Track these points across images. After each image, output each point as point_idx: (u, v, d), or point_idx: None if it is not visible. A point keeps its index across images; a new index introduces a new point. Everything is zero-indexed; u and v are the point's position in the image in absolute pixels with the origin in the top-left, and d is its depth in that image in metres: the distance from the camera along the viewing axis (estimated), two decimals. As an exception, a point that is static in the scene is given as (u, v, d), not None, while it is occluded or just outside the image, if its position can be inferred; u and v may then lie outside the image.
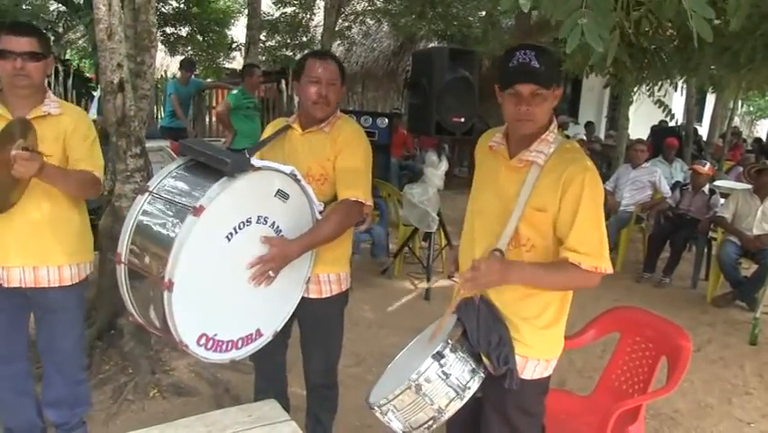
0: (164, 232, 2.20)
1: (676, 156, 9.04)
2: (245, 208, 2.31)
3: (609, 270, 2.04)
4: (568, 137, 2.19)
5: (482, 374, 2.11)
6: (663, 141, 9.15)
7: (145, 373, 3.81)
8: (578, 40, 1.88)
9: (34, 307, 2.82)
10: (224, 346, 2.40)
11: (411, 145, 11.24)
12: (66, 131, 2.64)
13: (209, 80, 13.13)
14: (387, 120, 8.04)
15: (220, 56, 14.47)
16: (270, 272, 2.41)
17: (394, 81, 14.34)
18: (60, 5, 11.41)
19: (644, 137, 10.65)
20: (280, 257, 2.40)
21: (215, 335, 2.34)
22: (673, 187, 7.35)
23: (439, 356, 2.05)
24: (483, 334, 2.09)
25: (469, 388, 2.07)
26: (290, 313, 2.64)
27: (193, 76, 9.68)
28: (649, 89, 5.88)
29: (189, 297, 2.18)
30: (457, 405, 2.06)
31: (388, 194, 6.89)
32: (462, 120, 5.62)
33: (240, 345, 2.47)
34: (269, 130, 2.87)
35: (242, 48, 12.59)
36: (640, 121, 11.25)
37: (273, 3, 13.70)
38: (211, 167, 2.26)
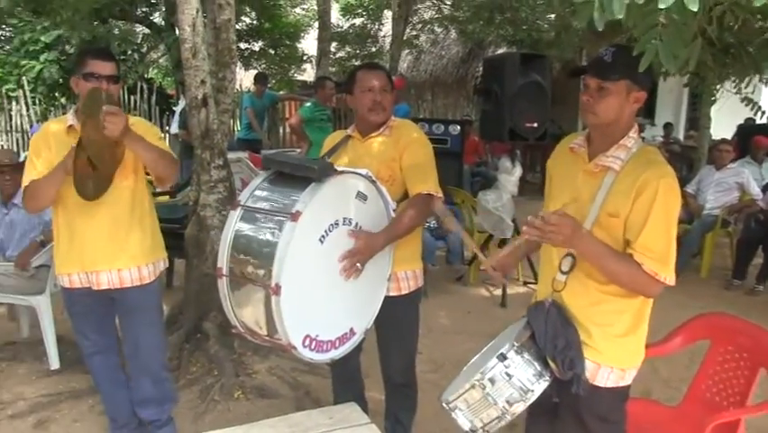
0: (264, 240, 2.34)
1: (766, 156, 8.60)
2: (333, 211, 2.42)
3: (671, 281, 1.99)
4: (643, 139, 2.15)
5: (548, 378, 2.10)
6: (751, 140, 8.72)
7: (230, 375, 3.94)
8: (651, 58, 1.87)
9: (118, 308, 3.03)
10: (324, 346, 2.49)
11: (483, 152, 11.20)
12: (144, 129, 2.83)
13: (282, 93, 13.41)
14: (458, 127, 8.03)
15: (292, 68, 14.79)
16: (359, 264, 2.49)
17: (463, 88, 14.32)
18: (145, 28, 11.94)
19: (729, 136, 10.20)
20: (367, 249, 2.49)
21: (317, 335, 2.44)
22: (765, 189, 7.00)
23: (503, 357, 2.07)
24: (550, 337, 2.08)
25: (532, 391, 2.07)
26: (377, 310, 2.71)
27: (267, 89, 9.92)
28: (735, 86, 5.64)
29: (294, 299, 2.28)
30: (520, 407, 2.07)
31: (462, 201, 6.87)
32: (535, 125, 5.57)
33: (338, 344, 2.56)
34: (328, 142, 3.01)
35: (313, 60, 12.86)
36: (723, 120, 10.78)
37: (342, 15, 13.91)
38: (295, 176, 2.38)
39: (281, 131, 13.23)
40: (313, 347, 2.44)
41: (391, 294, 2.78)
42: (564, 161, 2.28)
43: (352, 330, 2.61)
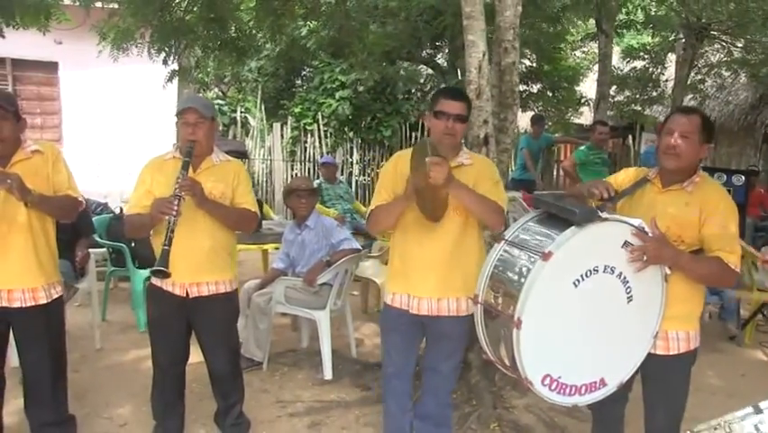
0: (516, 275, 2.45)
1: None
2: (593, 256, 2.44)
3: None
4: None
5: None
6: None
7: (488, 406, 4.05)
8: None
9: (428, 334, 3.23)
10: (567, 390, 2.51)
11: (769, 205, 10.25)
12: (476, 176, 3.02)
13: (557, 135, 13.39)
14: (743, 177, 7.48)
15: (568, 111, 14.69)
16: (644, 256, 2.47)
17: (751, 136, 13.16)
18: (429, 69, 12.74)
19: None
20: (658, 242, 2.49)
21: (560, 377, 2.48)
22: None
23: (758, 410, 1.93)
24: None
25: None
26: (636, 366, 2.67)
27: (543, 131, 10.00)
28: None
29: (536, 336, 2.37)
30: None
31: (741, 255, 6.36)
32: (839, 179, 5.03)
33: (583, 391, 2.56)
34: (626, 177, 2.92)
35: (591, 103, 12.71)
36: None
37: (622, 58, 13.58)
38: (561, 218, 2.45)
39: (555, 172, 13.22)
40: (553, 388, 2.47)
41: (658, 353, 2.71)
42: None
43: (602, 381, 2.60)
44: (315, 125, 12.35)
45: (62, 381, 3.39)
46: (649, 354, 2.67)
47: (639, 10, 11.84)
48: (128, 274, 5.93)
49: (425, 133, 12.43)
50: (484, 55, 4.10)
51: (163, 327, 3.43)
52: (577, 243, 2.37)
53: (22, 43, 5.63)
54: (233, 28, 6.75)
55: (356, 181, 12.29)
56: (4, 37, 5.76)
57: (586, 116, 14.71)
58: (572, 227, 2.38)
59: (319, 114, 12.37)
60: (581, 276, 2.41)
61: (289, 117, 12.62)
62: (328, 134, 12.47)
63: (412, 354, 3.28)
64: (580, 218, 2.37)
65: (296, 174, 12.19)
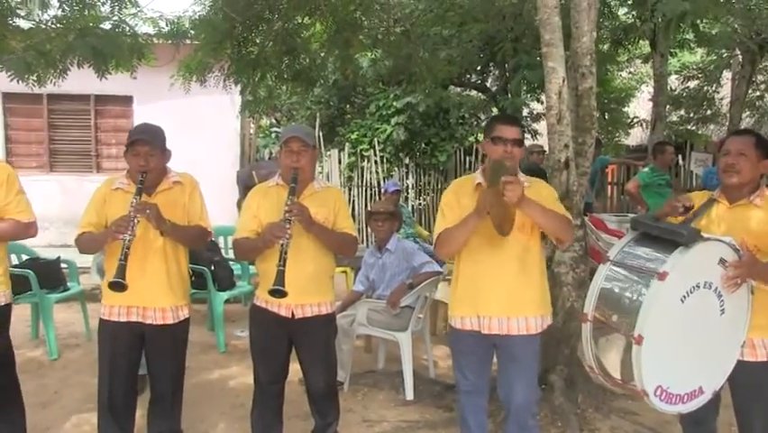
0: (630, 293, 2.63)
1: None
2: (695, 274, 2.60)
3: None
4: None
5: None
6: None
7: (575, 428, 4.06)
8: None
9: (499, 354, 3.27)
10: (673, 399, 2.67)
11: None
12: (537, 196, 3.04)
13: (609, 156, 13.38)
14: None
15: (618, 132, 14.65)
16: (738, 280, 2.63)
17: (818, 152, 12.88)
18: (479, 93, 12.88)
19: None
20: (750, 265, 2.63)
21: (668, 388, 2.63)
22: None
23: None
24: None
25: None
26: (727, 374, 2.80)
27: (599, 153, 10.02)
28: None
29: (653, 351, 2.52)
30: None
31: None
32: None
33: (686, 399, 2.71)
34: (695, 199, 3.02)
35: (643, 124, 12.67)
36: None
37: (677, 78, 13.53)
38: (661, 238, 2.63)
39: (608, 194, 13.20)
40: (663, 398, 2.63)
41: (745, 359, 2.82)
42: None
43: (701, 389, 2.73)
44: (372, 151, 12.52)
45: (179, 396, 3.62)
46: (738, 362, 2.79)
47: (691, 29, 11.76)
48: (204, 296, 6.13)
49: (480, 157, 12.52)
50: (564, 81, 4.20)
51: (267, 346, 3.58)
52: (686, 262, 2.54)
53: (104, 80, 5.90)
54: (305, 59, 6.96)
55: (412, 206, 12.39)
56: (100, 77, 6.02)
57: (634, 137, 14.65)
58: (681, 247, 2.55)
59: (375, 139, 12.54)
60: (687, 292, 2.58)
61: (346, 143, 12.80)
62: (384, 160, 12.62)
63: (486, 372, 3.34)
64: (688, 238, 2.54)
65: (353, 198, 12.33)
